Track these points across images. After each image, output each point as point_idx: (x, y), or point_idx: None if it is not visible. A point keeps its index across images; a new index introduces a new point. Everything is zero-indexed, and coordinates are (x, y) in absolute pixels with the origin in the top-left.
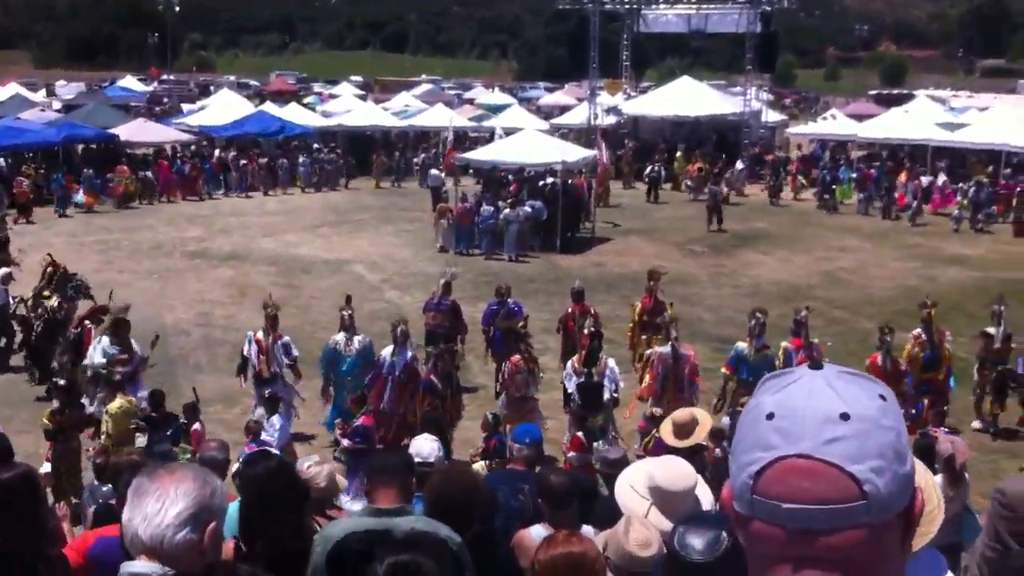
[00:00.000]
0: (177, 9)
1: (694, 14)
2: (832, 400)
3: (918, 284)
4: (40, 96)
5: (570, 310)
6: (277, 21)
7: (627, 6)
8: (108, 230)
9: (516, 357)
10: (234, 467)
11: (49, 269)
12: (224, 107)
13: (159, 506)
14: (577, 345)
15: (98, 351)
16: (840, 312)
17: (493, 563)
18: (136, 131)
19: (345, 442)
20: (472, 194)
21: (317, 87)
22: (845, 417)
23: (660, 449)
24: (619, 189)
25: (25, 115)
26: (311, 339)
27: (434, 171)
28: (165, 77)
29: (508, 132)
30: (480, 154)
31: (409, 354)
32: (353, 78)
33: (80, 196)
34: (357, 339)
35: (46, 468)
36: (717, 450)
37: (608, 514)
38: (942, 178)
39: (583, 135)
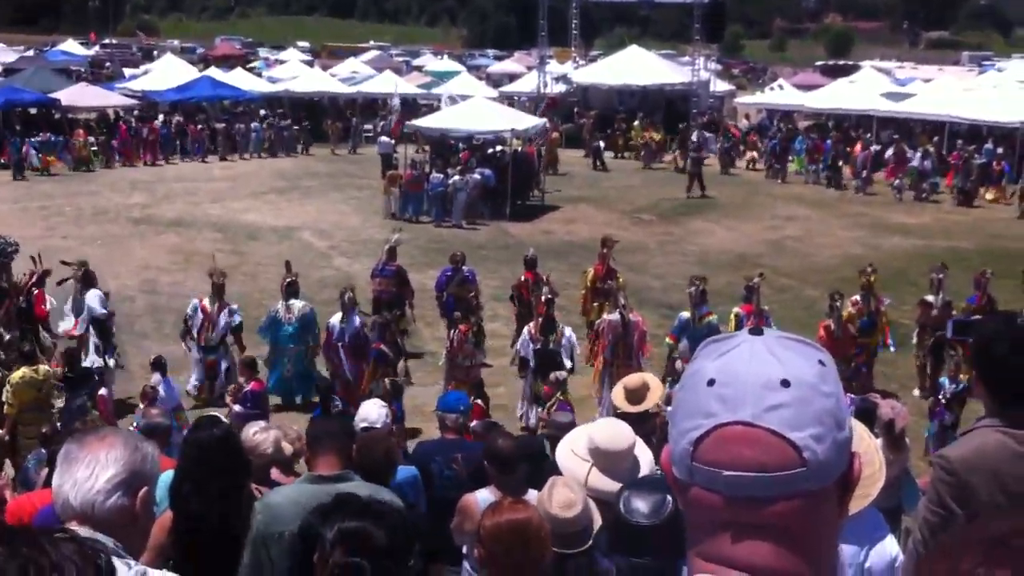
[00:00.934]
0: None
1: None
2: (773, 366)
3: (862, 252)
4: None
5: (523, 278)
6: None
7: None
8: (51, 196)
9: (464, 325)
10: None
11: None
12: (168, 72)
13: (89, 472)
14: (533, 312)
15: (95, 301)
16: (786, 280)
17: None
18: (78, 96)
19: (236, 407)
20: (422, 161)
21: (263, 52)
22: (785, 383)
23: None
24: (571, 157)
25: None
26: (259, 307)
27: (384, 138)
28: (106, 41)
29: (456, 100)
30: (429, 121)
31: (357, 320)
32: (300, 44)
33: (36, 158)
34: (297, 306)
35: None
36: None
37: None
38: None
39: (532, 103)
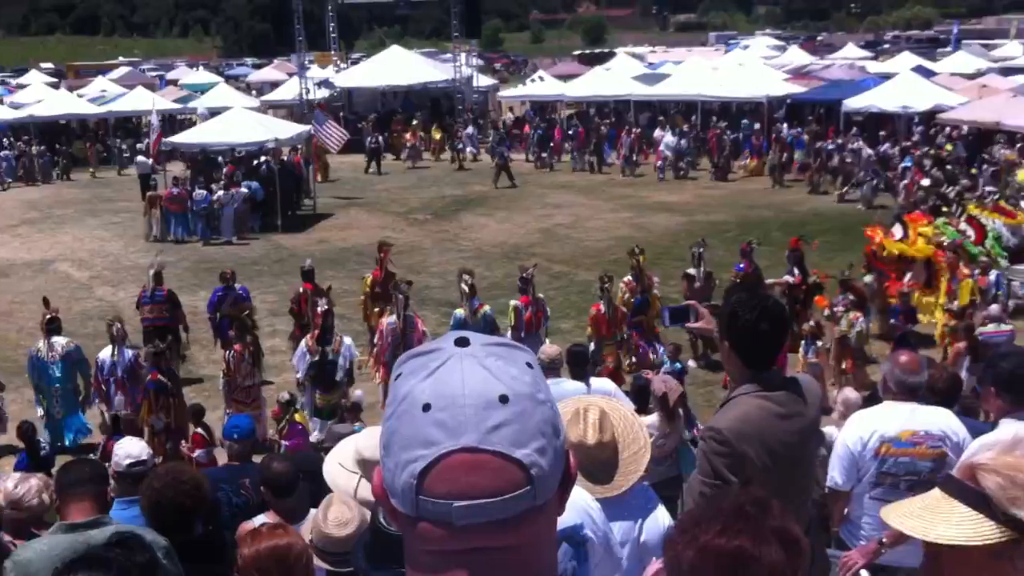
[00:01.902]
0: None
1: None
2: (488, 382)
3: (630, 233)
4: None
5: (301, 290)
6: None
7: None
8: None
9: (239, 345)
10: None
11: None
12: None
13: None
14: (311, 324)
15: None
16: (560, 266)
17: (223, 563)
18: None
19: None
20: (183, 179)
21: (2, 77)
22: (504, 399)
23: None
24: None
25: None
26: (17, 348)
27: (141, 158)
28: None
29: (215, 112)
30: (187, 137)
31: (130, 353)
32: (43, 65)
33: None
34: (60, 343)
35: None
36: None
37: None
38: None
39: (295, 110)
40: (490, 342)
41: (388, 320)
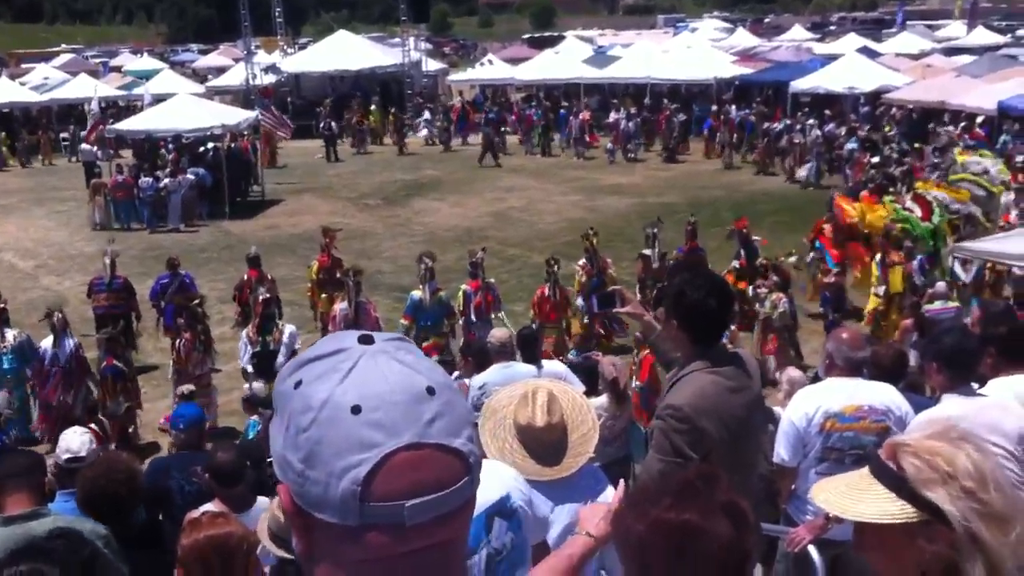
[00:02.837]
0: None
1: None
2: (410, 376)
3: (582, 215)
4: None
5: (246, 277)
6: None
7: None
8: None
9: (189, 334)
10: None
11: None
12: None
13: None
14: (252, 313)
15: None
16: (513, 250)
17: (163, 551)
18: None
19: None
20: (128, 166)
21: None
22: (431, 391)
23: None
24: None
25: None
26: None
27: (85, 146)
28: None
29: (160, 99)
30: (132, 123)
31: (71, 342)
32: None
33: None
34: (11, 334)
35: None
36: None
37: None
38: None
39: (242, 96)
40: (391, 337)
41: (340, 306)
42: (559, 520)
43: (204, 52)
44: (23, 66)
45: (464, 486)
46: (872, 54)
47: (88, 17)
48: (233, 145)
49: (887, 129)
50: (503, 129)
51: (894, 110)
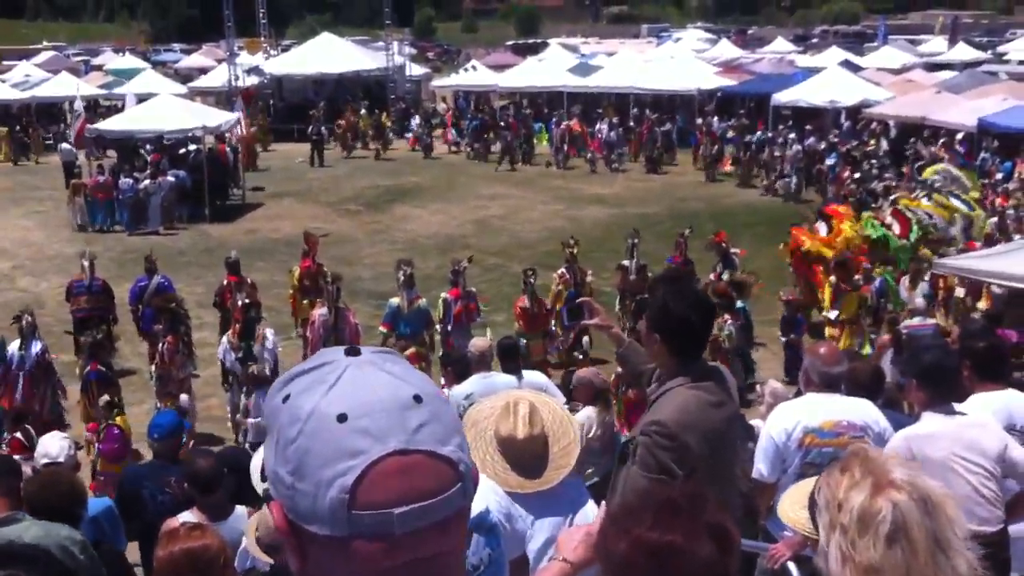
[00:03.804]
0: None
1: None
2: (397, 385)
3: (563, 225)
4: None
5: (225, 282)
6: None
7: None
8: None
9: (172, 336)
10: None
11: None
12: None
13: None
14: (231, 318)
15: None
16: (494, 258)
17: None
18: None
19: None
20: (108, 167)
21: None
22: (418, 400)
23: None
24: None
25: None
26: None
27: (65, 145)
28: None
29: (142, 99)
30: (113, 123)
31: (38, 345)
32: None
33: None
34: None
35: None
36: None
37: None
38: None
39: (224, 98)
40: (378, 350)
41: (320, 312)
42: (540, 533)
43: (187, 52)
44: (4, 63)
45: (455, 494)
46: (854, 68)
47: (71, 13)
48: (212, 148)
49: (871, 143)
50: (485, 136)
51: (875, 124)
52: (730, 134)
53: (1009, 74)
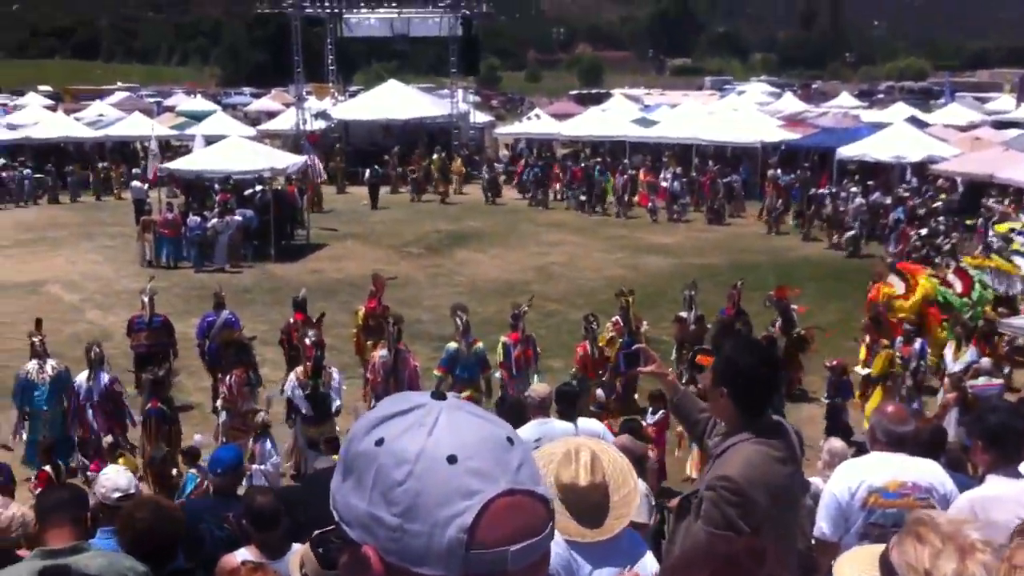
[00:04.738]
0: None
1: (396, 18)
2: (491, 428)
3: (623, 273)
4: None
5: (292, 320)
6: None
7: (328, 10)
8: None
9: (239, 369)
10: None
11: None
12: None
13: None
14: (301, 356)
15: None
16: (554, 305)
17: None
18: None
19: None
20: (178, 205)
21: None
22: (511, 441)
23: None
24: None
25: None
26: (4, 368)
27: (136, 183)
28: None
29: (211, 140)
30: (184, 163)
31: (106, 377)
32: (42, 88)
33: None
34: (51, 365)
35: None
36: None
37: None
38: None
39: (291, 141)
40: (456, 395)
41: (380, 353)
42: None
43: (256, 96)
44: (79, 102)
45: (550, 532)
46: (920, 124)
47: (145, 57)
48: (279, 188)
49: (941, 198)
50: (546, 184)
51: (941, 181)
52: (795, 186)
53: None
